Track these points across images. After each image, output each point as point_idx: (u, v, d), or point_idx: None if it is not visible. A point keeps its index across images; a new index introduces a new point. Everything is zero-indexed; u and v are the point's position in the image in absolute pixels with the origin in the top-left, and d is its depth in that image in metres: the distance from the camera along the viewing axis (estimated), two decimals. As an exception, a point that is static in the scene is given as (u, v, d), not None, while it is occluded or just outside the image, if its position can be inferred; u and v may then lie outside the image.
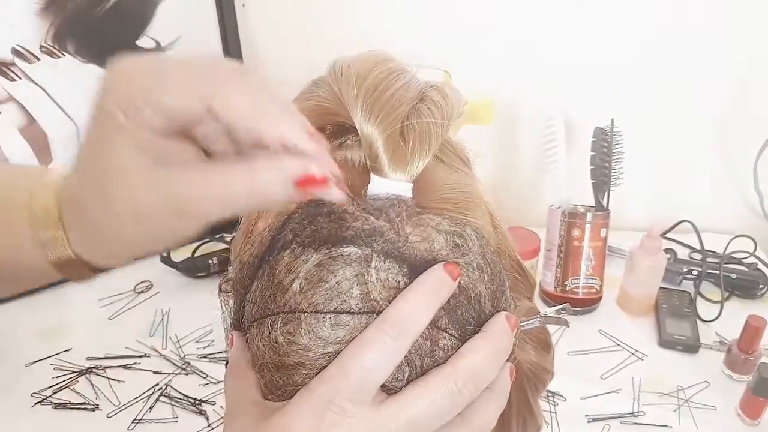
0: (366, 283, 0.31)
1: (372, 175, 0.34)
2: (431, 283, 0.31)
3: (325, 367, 0.31)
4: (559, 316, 0.40)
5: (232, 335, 0.35)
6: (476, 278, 0.33)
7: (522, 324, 0.38)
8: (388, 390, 0.31)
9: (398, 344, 0.30)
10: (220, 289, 0.38)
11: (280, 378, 0.32)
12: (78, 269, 0.34)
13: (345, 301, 0.31)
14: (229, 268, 0.38)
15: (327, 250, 0.31)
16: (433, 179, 0.35)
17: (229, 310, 0.37)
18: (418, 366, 0.31)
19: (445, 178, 0.36)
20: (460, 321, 0.32)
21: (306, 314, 0.31)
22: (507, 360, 0.35)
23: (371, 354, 0.30)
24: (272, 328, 0.32)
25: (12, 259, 0.35)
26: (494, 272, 0.34)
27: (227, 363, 0.39)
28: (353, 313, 0.31)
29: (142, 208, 0.30)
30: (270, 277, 0.32)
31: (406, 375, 0.31)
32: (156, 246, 0.32)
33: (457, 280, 0.32)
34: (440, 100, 0.36)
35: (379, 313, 0.31)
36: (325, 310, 0.31)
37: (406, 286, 0.31)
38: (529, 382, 0.41)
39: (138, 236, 0.31)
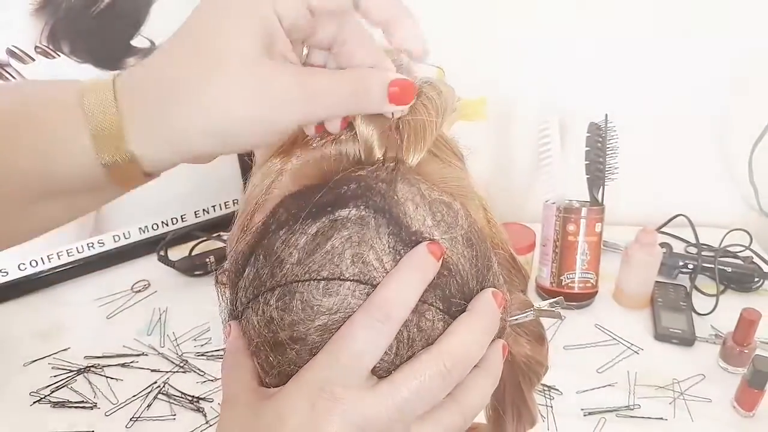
0: (359, 245, 0.31)
1: None
2: (416, 264, 0.31)
3: (316, 341, 0.31)
4: (553, 309, 0.40)
5: (229, 325, 0.36)
6: (461, 252, 0.34)
7: (515, 317, 0.38)
8: (378, 371, 0.32)
9: (386, 327, 0.30)
10: (216, 281, 0.39)
11: (274, 357, 0.32)
12: (130, 172, 0.33)
13: (337, 265, 0.31)
14: (226, 262, 0.38)
15: (325, 218, 0.32)
16: (426, 173, 0.35)
17: (226, 301, 0.38)
18: (405, 340, 0.31)
19: (438, 171, 0.36)
20: (446, 295, 0.33)
21: (298, 283, 0.31)
22: (498, 338, 0.35)
23: (360, 338, 0.30)
24: (267, 305, 0.32)
25: (61, 164, 0.33)
26: (480, 248, 0.35)
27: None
28: (344, 280, 0.31)
29: (239, 99, 0.31)
30: (266, 256, 0.33)
31: (395, 351, 0.31)
32: (223, 149, 0.33)
33: (441, 260, 0.32)
34: (434, 95, 0.37)
35: (370, 279, 0.31)
36: (317, 278, 0.31)
37: (397, 251, 0.32)
38: (523, 375, 0.41)
39: (213, 137, 0.32)
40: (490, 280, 0.35)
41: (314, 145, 0.36)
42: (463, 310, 0.33)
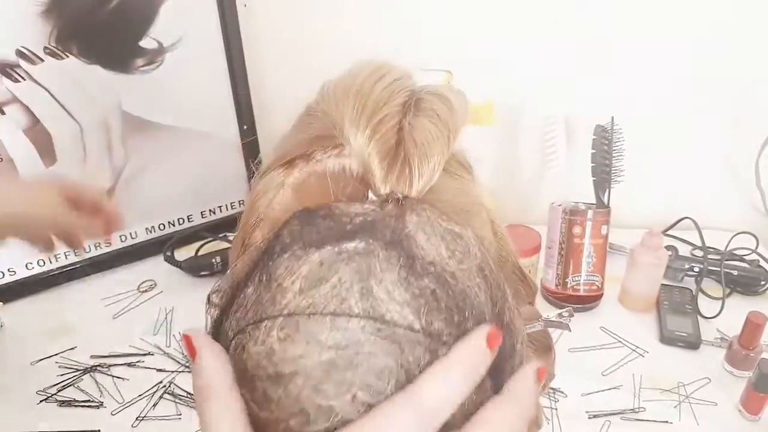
0: (368, 279, 0.29)
1: None
2: (470, 359, 0.28)
3: (321, 377, 0.29)
4: (561, 320, 0.40)
5: (194, 344, 0.30)
6: (477, 284, 0.32)
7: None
8: None
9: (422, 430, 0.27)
10: (208, 301, 0.35)
11: (275, 391, 0.30)
12: None
13: (345, 299, 0.29)
14: (221, 281, 0.36)
15: (330, 247, 0.30)
16: (432, 189, 0.34)
17: (212, 321, 0.34)
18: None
19: (444, 185, 0.35)
20: (461, 331, 0.30)
21: (304, 316, 0.29)
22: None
23: None
24: (268, 335, 0.30)
25: None
26: (494, 277, 0.33)
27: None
28: (352, 316, 0.29)
29: None
30: (268, 281, 0.31)
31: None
32: None
33: (496, 349, 0.29)
34: (445, 111, 0.35)
35: (380, 314, 0.29)
36: (323, 312, 0.29)
37: (409, 283, 0.29)
38: None
39: None
40: (506, 312, 0.33)
41: (317, 158, 0.35)
42: None
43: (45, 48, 0.97)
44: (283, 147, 0.38)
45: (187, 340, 0.30)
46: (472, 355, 0.29)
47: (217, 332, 0.34)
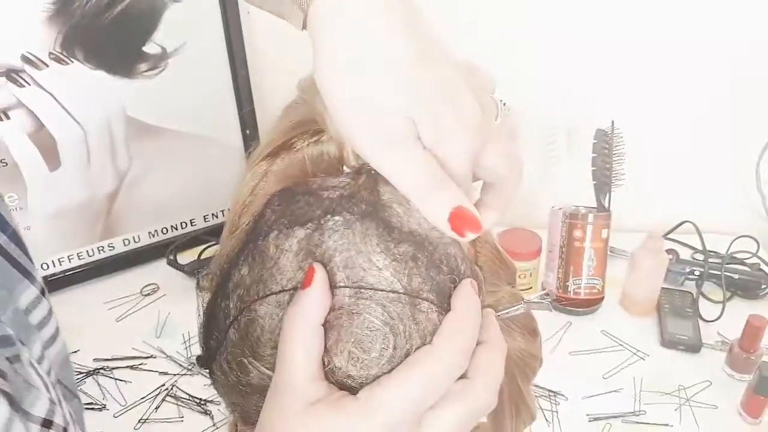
0: (348, 250, 0.33)
1: None
2: (471, 310, 0.34)
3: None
4: (542, 300, 0.41)
5: (314, 275, 0.32)
6: (449, 243, 0.35)
7: (506, 311, 0.39)
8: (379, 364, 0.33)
9: (448, 374, 0.32)
10: (198, 285, 0.39)
11: None
12: None
13: (335, 273, 0.32)
14: (210, 265, 0.39)
15: (312, 224, 0.33)
16: None
17: (203, 305, 0.38)
18: (403, 333, 0.33)
19: None
20: (439, 288, 0.34)
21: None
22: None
23: (419, 382, 0.31)
24: (279, 307, 0.33)
25: None
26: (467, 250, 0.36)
27: (200, 359, 0.39)
28: (335, 287, 0.32)
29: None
30: (262, 260, 0.34)
31: (392, 344, 0.33)
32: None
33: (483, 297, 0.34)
34: None
35: (360, 281, 0.32)
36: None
37: (390, 251, 0.33)
38: (518, 368, 0.42)
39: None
40: (478, 273, 0.36)
41: (298, 146, 0.38)
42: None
43: (50, 53, 0.98)
44: (267, 138, 0.41)
45: (310, 269, 0.32)
46: (471, 306, 0.34)
47: (211, 312, 0.37)
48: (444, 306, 0.34)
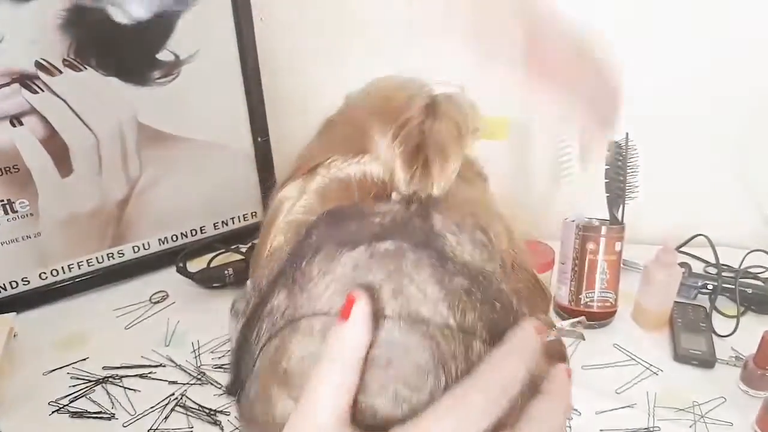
0: (399, 279, 0.30)
1: None
2: (521, 347, 0.31)
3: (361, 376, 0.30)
4: (574, 329, 0.40)
5: (353, 308, 0.30)
6: (502, 281, 0.33)
7: None
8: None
9: (486, 413, 0.29)
10: (233, 308, 0.37)
11: None
12: None
13: (377, 300, 0.30)
14: (245, 288, 0.37)
15: (362, 248, 0.31)
16: (452, 194, 0.35)
17: (238, 330, 0.35)
18: (453, 373, 0.30)
19: (463, 193, 0.36)
20: (491, 326, 0.32)
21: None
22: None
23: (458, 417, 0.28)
24: (310, 335, 0.31)
25: None
26: (512, 281, 0.34)
27: (229, 386, 0.37)
28: (386, 317, 0.30)
29: None
30: (302, 282, 0.32)
31: (443, 385, 0.30)
32: None
33: (544, 337, 0.32)
34: (458, 117, 0.36)
35: (412, 313, 0.30)
36: None
37: (440, 279, 0.30)
38: None
39: None
40: (522, 307, 0.35)
41: (339, 165, 0.36)
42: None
43: (64, 60, 0.98)
44: (303, 156, 0.39)
45: (350, 299, 0.29)
46: (527, 341, 0.31)
47: (243, 337, 0.35)
48: (497, 345, 0.31)
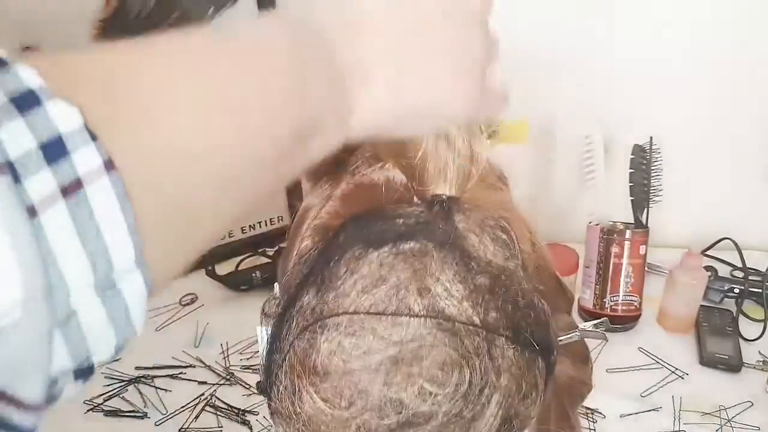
0: (425, 278, 0.31)
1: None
2: None
3: (390, 369, 0.31)
4: (597, 330, 0.41)
5: None
6: (522, 277, 0.34)
7: (561, 338, 0.39)
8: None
9: None
10: (263, 312, 0.38)
11: (347, 386, 0.32)
12: None
13: (404, 299, 0.31)
14: (275, 290, 0.38)
15: (387, 248, 0.32)
16: (475, 198, 0.36)
17: (269, 333, 0.37)
18: (479, 369, 0.31)
19: (485, 196, 0.37)
20: (514, 323, 0.33)
21: (369, 315, 0.31)
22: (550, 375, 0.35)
23: None
24: (336, 330, 0.32)
25: None
26: (533, 280, 0.36)
27: (260, 383, 0.37)
28: (413, 316, 0.31)
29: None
30: (330, 281, 0.33)
31: (468, 379, 0.31)
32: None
33: None
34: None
35: (439, 311, 0.31)
36: (385, 312, 0.31)
37: (464, 278, 0.31)
38: (567, 394, 0.42)
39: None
40: (546, 306, 0.36)
41: (363, 171, 0.37)
42: (531, 337, 0.33)
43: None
44: (327, 163, 0.39)
45: None
46: None
47: (274, 336, 0.36)
48: (520, 341, 0.33)
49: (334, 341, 0.32)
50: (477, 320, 0.32)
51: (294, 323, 0.34)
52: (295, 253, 0.38)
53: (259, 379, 0.38)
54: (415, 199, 0.36)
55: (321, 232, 0.37)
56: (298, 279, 0.35)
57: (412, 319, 0.31)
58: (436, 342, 0.31)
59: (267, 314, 0.37)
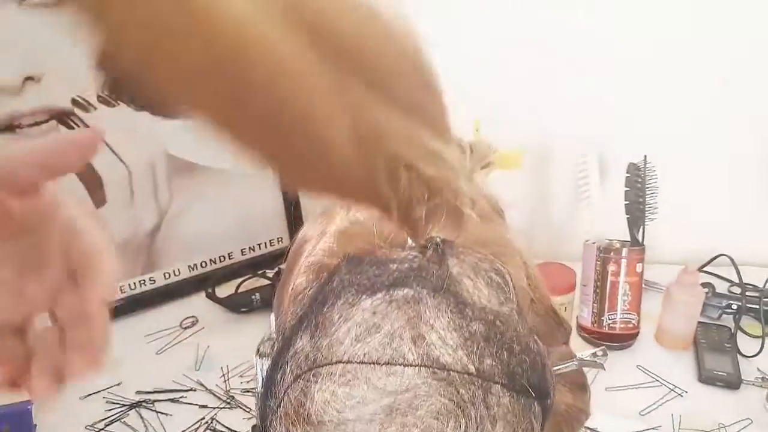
0: (419, 326, 0.31)
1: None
2: None
3: (384, 419, 0.30)
4: (595, 359, 0.41)
5: None
6: (518, 322, 0.34)
7: (558, 368, 0.38)
8: None
9: None
10: (257, 352, 0.38)
11: None
12: None
13: (399, 348, 0.31)
14: (269, 330, 0.39)
15: (381, 294, 0.32)
16: (468, 233, 0.36)
17: (263, 372, 0.37)
18: (474, 418, 0.31)
19: (479, 231, 0.37)
20: (510, 369, 0.32)
21: (362, 365, 0.31)
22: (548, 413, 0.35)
23: None
24: (329, 380, 0.32)
25: None
26: (530, 321, 0.35)
27: (255, 427, 0.37)
28: (407, 365, 0.31)
29: None
30: (324, 327, 0.33)
31: (462, 429, 0.30)
32: None
33: None
34: (458, 156, 0.38)
35: (434, 360, 0.30)
36: (379, 361, 0.31)
37: (459, 325, 0.31)
38: (565, 421, 0.42)
39: None
40: (542, 348, 0.35)
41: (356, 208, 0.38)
42: (527, 383, 0.32)
43: (98, 96, 1.02)
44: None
45: None
46: None
47: (269, 379, 0.36)
48: (515, 388, 0.32)
49: (327, 391, 0.32)
50: (472, 368, 0.31)
51: (288, 369, 0.34)
52: (290, 288, 0.39)
53: (254, 423, 0.38)
54: (409, 241, 0.35)
55: (315, 271, 0.37)
56: (293, 321, 0.35)
57: (406, 368, 0.31)
58: (431, 391, 0.31)
59: (262, 355, 0.37)
